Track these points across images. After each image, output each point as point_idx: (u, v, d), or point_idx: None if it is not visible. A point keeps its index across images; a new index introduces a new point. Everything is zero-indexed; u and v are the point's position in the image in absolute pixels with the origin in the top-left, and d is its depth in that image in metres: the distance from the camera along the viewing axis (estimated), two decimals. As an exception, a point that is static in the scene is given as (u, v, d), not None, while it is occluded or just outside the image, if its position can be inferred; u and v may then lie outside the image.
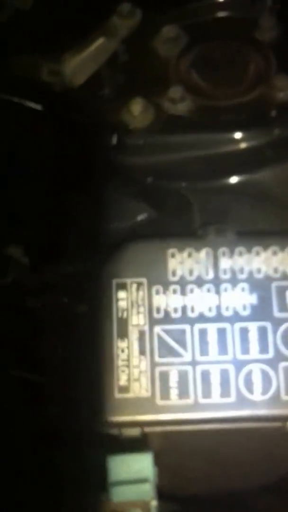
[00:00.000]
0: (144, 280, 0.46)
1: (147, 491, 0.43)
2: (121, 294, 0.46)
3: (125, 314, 0.45)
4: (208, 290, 0.46)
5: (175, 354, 0.45)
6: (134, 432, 0.44)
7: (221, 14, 0.55)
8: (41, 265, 0.49)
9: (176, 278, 0.46)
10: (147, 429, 0.44)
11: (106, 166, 0.50)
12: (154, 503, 0.43)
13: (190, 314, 0.45)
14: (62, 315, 0.49)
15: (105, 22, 0.53)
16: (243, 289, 0.46)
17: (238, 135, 0.49)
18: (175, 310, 0.45)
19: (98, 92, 0.52)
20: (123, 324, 0.45)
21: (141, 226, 0.49)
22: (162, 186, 0.50)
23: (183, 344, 0.45)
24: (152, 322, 0.45)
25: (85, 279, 0.47)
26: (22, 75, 0.52)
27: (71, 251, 0.49)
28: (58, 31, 0.53)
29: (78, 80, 0.52)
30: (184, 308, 0.46)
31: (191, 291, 0.46)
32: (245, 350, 0.45)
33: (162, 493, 0.44)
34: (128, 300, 0.46)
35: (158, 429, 0.44)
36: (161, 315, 0.45)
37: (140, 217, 0.49)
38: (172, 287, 0.46)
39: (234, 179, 0.49)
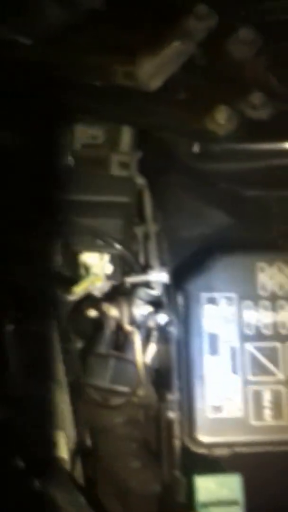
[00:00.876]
0: (234, 295, 0.44)
1: (237, 514, 0.42)
2: (211, 309, 0.44)
3: (215, 330, 0.44)
4: (300, 306, 0.45)
5: (268, 372, 0.43)
6: (224, 452, 0.43)
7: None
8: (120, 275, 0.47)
9: (266, 293, 0.45)
10: (238, 450, 0.43)
11: (186, 174, 0.49)
12: (244, 526, 0.42)
13: (281, 331, 0.44)
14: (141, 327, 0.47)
15: (181, 24, 0.51)
16: None
17: None
18: (266, 326, 0.44)
19: (175, 97, 0.50)
20: (214, 340, 0.44)
21: (221, 234, 0.48)
22: (242, 194, 0.48)
23: (275, 362, 0.43)
24: (244, 338, 0.44)
25: (167, 291, 0.46)
26: (96, 78, 0.50)
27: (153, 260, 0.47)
28: (132, 32, 0.51)
29: (154, 84, 0.50)
30: (275, 325, 0.44)
31: (282, 307, 0.45)
32: None
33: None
34: (218, 315, 0.44)
35: (250, 450, 0.43)
36: (252, 331, 0.44)
37: (220, 225, 0.48)
38: (262, 303, 0.44)
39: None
